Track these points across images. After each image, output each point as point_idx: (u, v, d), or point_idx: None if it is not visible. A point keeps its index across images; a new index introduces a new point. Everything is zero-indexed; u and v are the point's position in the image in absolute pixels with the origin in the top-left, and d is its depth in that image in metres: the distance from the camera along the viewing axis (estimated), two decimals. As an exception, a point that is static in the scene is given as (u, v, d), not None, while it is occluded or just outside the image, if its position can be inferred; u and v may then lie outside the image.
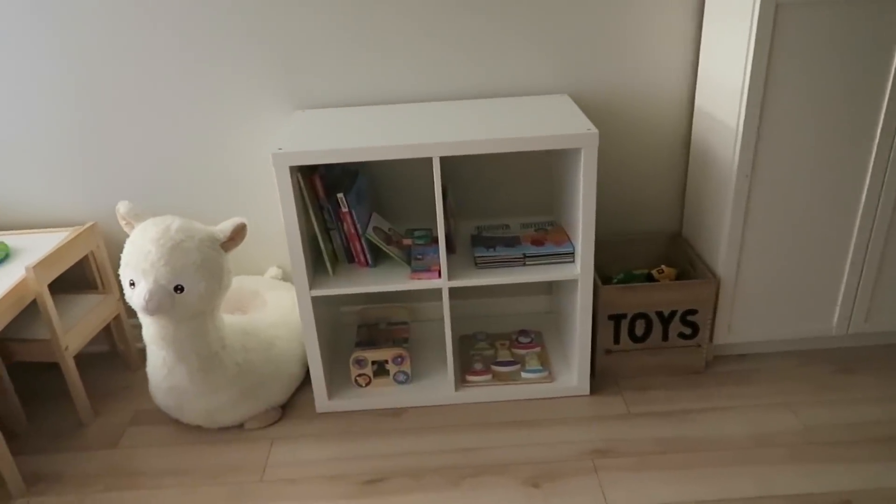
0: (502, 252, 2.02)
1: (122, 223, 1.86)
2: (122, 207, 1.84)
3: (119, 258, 1.83)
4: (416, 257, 2.05)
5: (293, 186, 1.82)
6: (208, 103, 2.19)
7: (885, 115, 1.88)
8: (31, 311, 2.03)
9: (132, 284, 1.78)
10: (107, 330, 2.37)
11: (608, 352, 2.17)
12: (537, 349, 2.28)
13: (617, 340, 2.15)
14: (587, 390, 2.14)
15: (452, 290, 1.98)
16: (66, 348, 2.02)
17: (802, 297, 2.14)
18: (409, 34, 2.12)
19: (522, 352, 2.28)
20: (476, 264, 2.02)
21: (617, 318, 2.11)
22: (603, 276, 2.31)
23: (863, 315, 2.16)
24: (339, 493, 1.83)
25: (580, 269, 1.96)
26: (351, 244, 2.02)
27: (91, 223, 2.21)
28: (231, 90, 2.17)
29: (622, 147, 2.30)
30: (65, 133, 2.21)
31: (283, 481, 1.88)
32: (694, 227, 2.29)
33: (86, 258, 2.23)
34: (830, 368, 2.21)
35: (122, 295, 2.24)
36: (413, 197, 2.31)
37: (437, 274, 1.96)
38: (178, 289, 1.76)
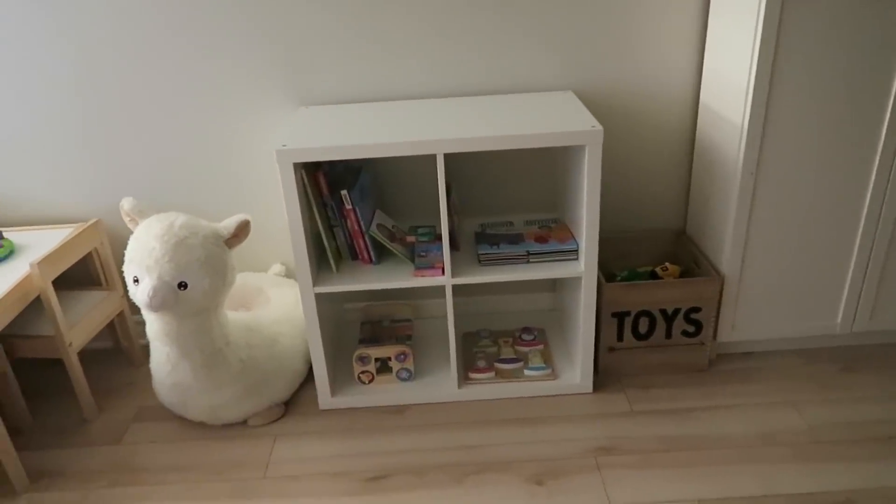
0: (506, 249, 2.01)
1: (126, 220, 1.86)
2: (126, 204, 1.84)
3: (123, 255, 1.83)
4: (419, 254, 2.04)
5: (297, 183, 1.82)
6: (213, 100, 2.19)
7: (891, 113, 1.87)
8: (36, 307, 2.03)
9: (136, 281, 1.78)
10: (111, 326, 2.37)
11: (611, 349, 2.17)
12: (540, 347, 2.28)
13: (620, 338, 2.15)
14: (590, 388, 2.14)
15: (456, 288, 1.98)
16: (70, 345, 2.02)
17: (807, 295, 2.13)
18: (413, 31, 2.12)
19: (526, 349, 2.27)
20: (479, 261, 2.02)
21: (620, 316, 2.11)
22: (607, 273, 2.31)
23: (867, 313, 2.16)
24: (342, 490, 1.83)
25: (584, 267, 1.95)
26: (354, 241, 2.02)
27: (95, 220, 2.21)
28: (236, 86, 2.17)
29: (626, 144, 2.30)
30: (69, 130, 2.21)
31: (286, 478, 1.88)
32: (698, 224, 2.29)
33: (90, 255, 2.23)
34: (834, 367, 2.20)
35: (126, 291, 2.23)
36: (417, 194, 2.31)
37: (440, 271, 1.96)
38: (182, 285, 1.76)
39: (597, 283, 1.99)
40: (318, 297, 1.98)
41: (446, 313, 2.20)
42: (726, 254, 2.07)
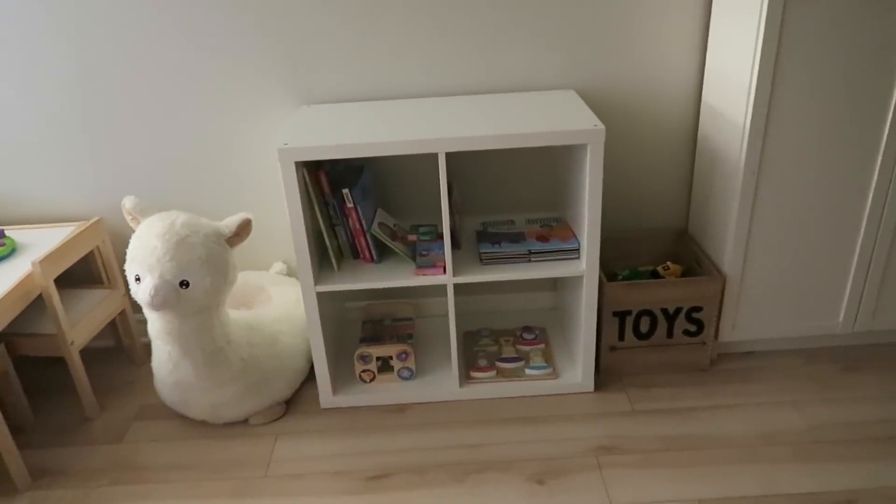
0: (507, 248, 2.01)
1: (128, 218, 1.86)
2: (127, 203, 1.84)
3: (125, 253, 1.83)
4: (421, 253, 2.04)
5: (299, 182, 1.82)
6: (214, 98, 2.19)
7: (893, 112, 1.87)
8: (37, 305, 2.04)
9: (138, 280, 1.78)
10: (112, 325, 2.38)
11: (613, 349, 2.17)
12: (542, 346, 2.28)
13: (622, 337, 2.15)
14: (591, 387, 2.14)
15: (457, 286, 1.98)
16: (72, 343, 2.02)
17: (808, 294, 2.13)
18: (414, 29, 2.12)
19: (527, 348, 2.28)
20: (481, 260, 2.02)
21: (622, 315, 2.11)
22: (608, 272, 2.31)
23: (869, 313, 2.15)
24: (343, 489, 1.83)
25: (585, 266, 1.95)
26: (356, 240, 2.02)
27: (97, 218, 2.21)
28: (237, 85, 2.17)
29: (628, 143, 2.30)
30: (71, 128, 2.22)
31: (287, 477, 1.88)
32: (700, 224, 2.29)
33: (91, 253, 2.23)
34: (836, 367, 2.20)
35: (128, 290, 2.23)
36: (418, 193, 2.31)
37: (441, 270, 1.96)
38: (184, 284, 1.76)
39: (598, 283, 1.99)
40: (320, 295, 1.98)
41: (448, 312, 2.20)
42: (728, 253, 2.07)
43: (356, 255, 2.07)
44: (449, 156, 2.20)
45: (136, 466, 1.95)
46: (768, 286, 2.11)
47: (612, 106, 2.24)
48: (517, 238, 2.08)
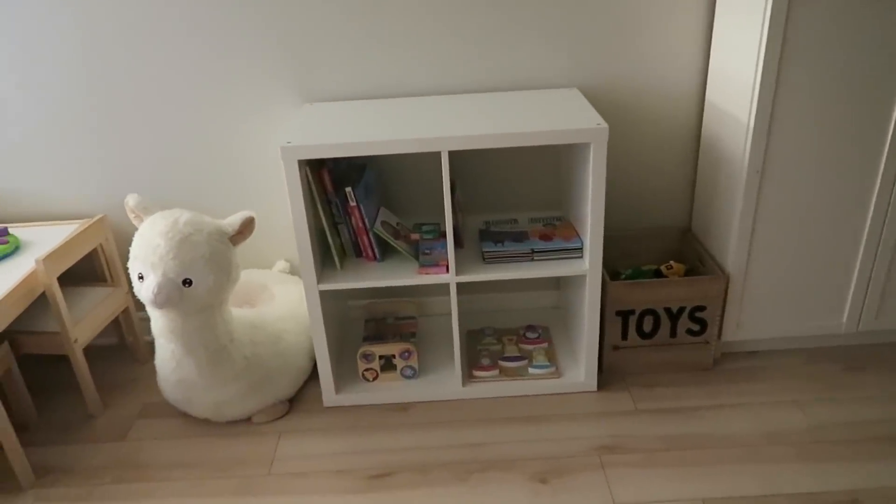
0: (510, 247, 2.01)
1: (131, 216, 1.86)
2: (130, 200, 1.84)
3: (128, 251, 1.83)
4: (423, 252, 2.04)
5: (301, 180, 1.82)
6: (217, 96, 2.19)
7: (899, 111, 1.87)
8: (41, 303, 2.04)
9: (141, 278, 1.78)
10: (116, 323, 2.38)
11: (616, 348, 2.16)
12: (545, 345, 2.28)
13: (625, 336, 2.15)
14: (594, 386, 2.13)
15: (460, 285, 1.98)
16: (76, 341, 2.02)
17: (812, 294, 2.13)
18: (418, 27, 2.11)
19: (530, 347, 2.27)
20: (484, 259, 2.01)
21: (625, 315, 2.11)
22: (611, 271, 2.30)
23: (873, 313, 2.15)
24: (346, 488, 1.83)
25: (588, 265, 1.95)
26: (359, 238, 2.02)
27: (100, 216, 2.22)
28: (241, 83, 2.17)
29: (632, 141, 2.29)
30: (74, 126, 2.22)
31: (290, 475, 1.89)
32: (703, 222, 2.28)
33: (95, 251, 2.24)
34: (839, 366, 2.20)
35: (131, 288, 2.24)
36: (421, 191, 2.31)
37: (444, 269, 1.96)
38: (187, 282, 1.76)
39: (601, 282, 1.99)
40: (323, 294, 1.98)
41: (450, 311, 2.20)
42: (731, 252, 2.06)
43: (359, 253, 2.07)
44: (452, 154, 2.20)
45: (139, 464, 1.95)
46: (772, 285, 2.11)
47: (616, 104, 2.23)
48: (520, 237, 2.07)
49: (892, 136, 1.89)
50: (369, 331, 2.32)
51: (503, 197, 2.34)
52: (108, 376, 2.33)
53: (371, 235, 2.00)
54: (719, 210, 2.14)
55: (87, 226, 2.13)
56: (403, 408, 2.12)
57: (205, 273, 1.78)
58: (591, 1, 2.09)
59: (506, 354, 2.24)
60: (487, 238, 2.08)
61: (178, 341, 1.85)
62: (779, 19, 1.74)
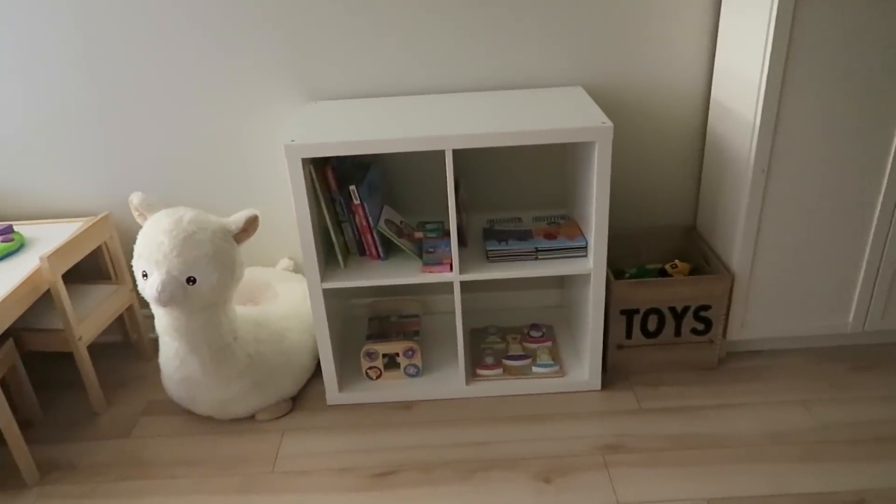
0: (514, 246, 2.01)
1: (136, 214, 1.86)
2: (135, 198, 1.85)
3: (132, 249, 1.83)
4: (427, 250, 2.04)
5: (305, 178, 1.82)
6: (222, 95, 2.19)
7: (906, 109, 1.86)
8: (45, 301, 2.04)
9: (145, 275, 1.78)
10: (120, 320, 2.39)
11: (620, 347, 2.16)
12: (548, 343, 2.28)
13: (629, 335, 2.14)
14: (598, 385, 2.13)
15: (464, 284, 1.98)
16: (80, 338, 2.03)
17: (818, 293, 2.12)
18: (423, 25, 2.11)
19: (534, 346, 2.27)
20: (488, 258, 2.01)
21: (629, 314, 2.10)
22: (616, 270, 2.30)
23: (879, 312, 2.14)
24: (349, 486, 1.83)
25: (593, 264, 1.94)
26: (363, 237, 2.02)
27: (104, 214, 2.22)
28: (245, 81, 2.17)
29: (637, 139, 2.28)
30: (79, 124, 2.22)
31: (293, 473, 1.89)
32: (708, 221, 2.27)
33: (99, 248, 2.24)
34: (845, 366, 2.19)
35: (135, 285, 2.25)
36: (425, 190, 2.31)
37: (448, 267, 1.95)
38: (191, 280, 1.76)
39: (605, 281, 1.98)
40: (326, 292, 1.98)
41: (454, 309, 2.20)
42: (736, 251, 2.05)
43: (362, 252, 2.07)
44: (456, 153, 2.20)
45: (143, 462, 1.95)
46: (777, 285, 2.10)
47: (621, 103, 2.23)
48: (524, 236, 2.07)
49: (899, 134, 1.88)
50: (373, 329, 2.32)
51: (507, 195, 2.34)
52: (113, 374, 2.34)
53: (375, 234, 2.00)
54: (724, 209, 2.13)
55: (91, 223, 2.14)
56: (407, 406, 2.12)
57: (209, 271, 1.78)
58: (596, -2, 2.09)
59: (509, 353, 2.24)
60: (491, 237, 2.08)
61: (181, 339, 1.85)
62: (785, 17, 1.73)
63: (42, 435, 2.08)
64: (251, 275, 2.31)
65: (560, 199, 2.33)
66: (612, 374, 2.19)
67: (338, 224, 2.00)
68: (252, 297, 2.27)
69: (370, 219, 1.97)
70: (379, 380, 2.17)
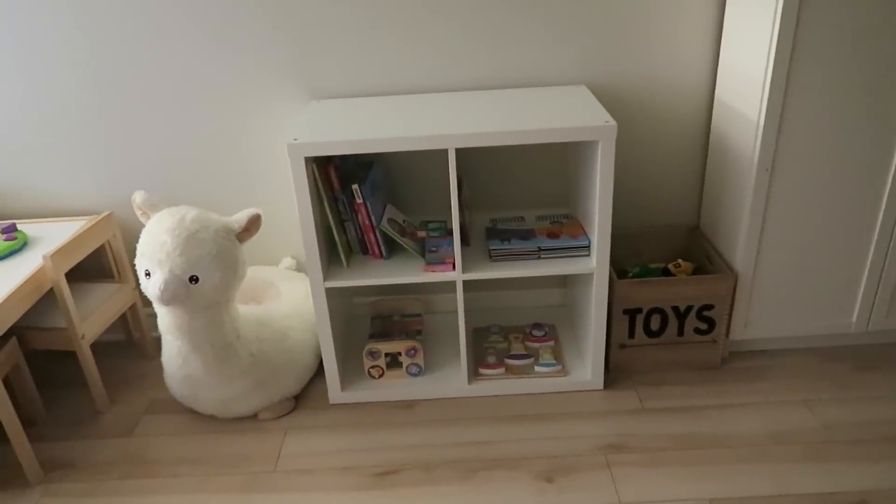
0: (517, 245, 2.00)
1: (138, 213, 1.87)
2: (137, 197, 1.85)
3: (135, 248, 1.84)
4: (430, 249, 2.04)
5: (308, 177, 1.82)
6: (224, 93, 2.19)
7: (910, 108, 1.85)
8: (48, 299, 2.05)
9: (148, 274, 1.78)
10: (123, 319, 2.39)
11: (623, 346, 2.15)
12: (551, 343, 2.27)
13: (632, 335, 2.14)
14: (601, 385, 2.13)
15: (466, 283, 1.98)
16: (83, 337, 2.03)
17: (821, 293, 2.11)
18: (426, 23, 2.11)
19: (536, 345, 2.27)
20: (490, 257, 2.01)
21: (632, 313, 2.10)
22: (618, 269, 2.29)
23: (883, 312, 2.13)
24: (351, 485, 1.83)
25: (596, 263, 1.94)
26: (365, 236, 2.02)
27: (107, 212, 2.22)
28: (247, 80, 2.17)
29: (640, 138, 2.28)
30: (81, 123, 2.22)
31: (295, 472, 1.89)
32: (712, 220, 2.27)
33: (102, 247, 2.24)
34: (849, 366, 2.18)
35: (138, 284, 2.25)
36: (428, 189, 2.30)
37: (451, 266, 1.95)
38: (194, 279, 1.76)
39: (608, 280, 1.98)
40: (329, 291, 1.98)
41: (457, 308, 2.19)
42: (740, 250, 2.05)
43: (365, 251, 2.07)
44: (459, 152, 2.20)
45: (145, 460, 1.96)
46: (781, 284, 2.10)
47: (624, 102, 2.22)
48: (527, 235, 2.07)
49: (904, 133, 1.88)
50: (375, 328, 2.32)
51: (510, 194, 2.33)
52: (116, 372, 2.34)
53: (377, 233, 2.00)
54: (728, 208, 2.12)
55: (94, 222, 2.14)
56: (409, 405, 2.12)
57: (211, 270, 1.78)
58: (599, -3, 2.08)
59: (512, 352, 2.24)
60: (494, 236, 2.07)
61: (184, 338, 1.85)
62: (790, 16, 1.73)
63: (45, 433, 2.08)
64: (254, 274, 2.31)
65: (563, 199, 2.33)
66: (614, 374, 2.19)
67: (340, 223, 2.00)
68: (255, 296, 2.27)
69: (373, 218, 1.97)
70: (381, 379, 2.17)
